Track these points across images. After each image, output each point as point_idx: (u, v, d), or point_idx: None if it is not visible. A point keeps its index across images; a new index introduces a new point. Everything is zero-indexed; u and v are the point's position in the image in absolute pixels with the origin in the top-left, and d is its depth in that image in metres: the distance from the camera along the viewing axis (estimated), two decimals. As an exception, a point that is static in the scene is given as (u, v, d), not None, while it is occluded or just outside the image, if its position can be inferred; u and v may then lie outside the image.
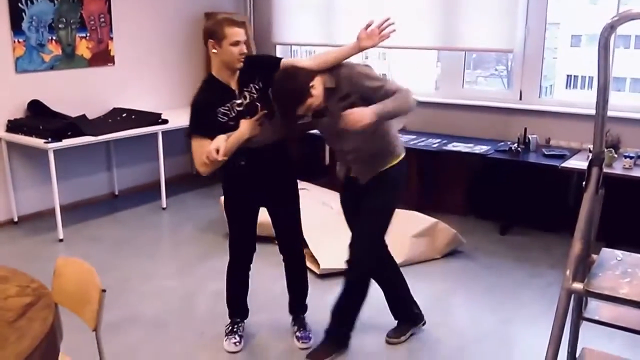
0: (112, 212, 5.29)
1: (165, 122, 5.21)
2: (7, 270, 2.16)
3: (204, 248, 4.48)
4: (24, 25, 4.74)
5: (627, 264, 1.73)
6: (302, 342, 3.16)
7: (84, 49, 5.18)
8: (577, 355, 2.02)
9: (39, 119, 4.76)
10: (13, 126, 4.72)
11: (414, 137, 5.42)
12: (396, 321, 3.22)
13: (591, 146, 4.52)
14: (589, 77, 8.59)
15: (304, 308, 3.32)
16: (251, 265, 3.20)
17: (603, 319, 1.81)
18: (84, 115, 5.13)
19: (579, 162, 4.46)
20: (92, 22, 5.21)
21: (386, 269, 3.15)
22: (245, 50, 2.70)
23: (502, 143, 5.01)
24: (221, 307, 3.53)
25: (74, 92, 5.18)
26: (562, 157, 4.58)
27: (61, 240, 4.57)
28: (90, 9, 5.19)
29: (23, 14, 4.71)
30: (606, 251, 1.82)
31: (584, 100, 5.02)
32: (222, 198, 4.73)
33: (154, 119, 5.19)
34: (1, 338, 1.67)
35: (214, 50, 2.68)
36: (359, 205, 2.87)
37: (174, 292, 3.78)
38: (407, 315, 3.23)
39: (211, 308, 3.56)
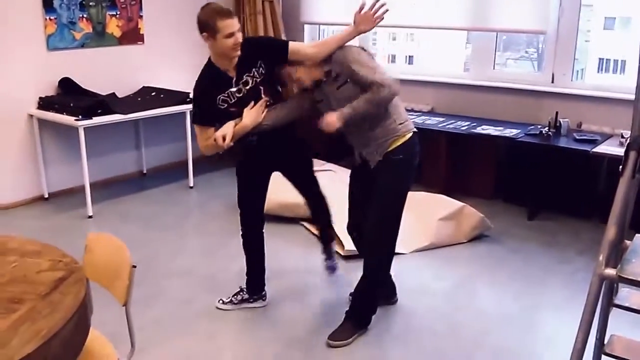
0: (140, 190, 5.36)
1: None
2: (39, 245, 2.20)
3: (231, 226, 4.50)
4: (56, 2, 4.78)
5: (662, 251, 1.70)
6: (330, 272, 3.47)
7: (114, 27, 5.21)
8: (605, 342, 1.99)
9: (70, 96, 4.82)
10: (44, 103, 4.79)
11: (442, 119, 5.36)
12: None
13: (624, 131, 4.47)
14: (622, 60, 8.37)
15: (331, 237, 3.53)
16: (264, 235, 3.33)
17: (634, 306, 1.79)
18: (113, 94, 5.18)
19: (610, 148, 4.38)
20: (123, 1, 5.23)
21: None
22: (240, 40, 2.72)
23: (533, 127, 4.94)
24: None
25: (104, 70, 5.23)
26: (594, 142, 4.50)
27: (90, 217, 4.64)
28: (121, -13, 5.21)
29: (55, -9, 4.76)
30: (640, 237, 1.79)
31: (617, 84, 4.91)
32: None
33: (183, 98, 5.21)
34: (34, 311, 1.70)
35: (208, 41, 2.74)
36: (370, 187, 2.86)
37: (200, 268, 3.82)
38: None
39: (237, 284, 3.59)
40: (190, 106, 5.16)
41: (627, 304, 1.81)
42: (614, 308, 1.93)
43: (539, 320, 3.30)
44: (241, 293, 3.38)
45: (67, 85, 4.93)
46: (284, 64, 2.82)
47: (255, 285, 3.36)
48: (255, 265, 3.35)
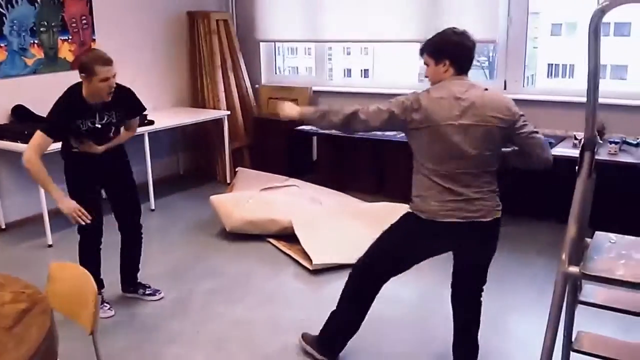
0: (100, 215, 5.24)
1: (152, 123, 5.18)
2: (0, 277, 2.14)
3: (195, 248, 4.47)
4: (5, 29, 4.68)
5: (621, 246, 1.76)
6: (158, 295, 3.66)
7: (66, 51, 5.13)
8: (573, 339, 2.04)
9: (24, 123, 4.71)
10: (-3, 132, 4.67)
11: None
12: None
13: (576, 133, 4.60)
14: (570, 65, 8.65)
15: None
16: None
17: (599, 302, 1.84)
18: (68, 119, 5.09)
19: (564, 150, 4.50)
20: (74, 25, 5.17)
21: None
22: (114, 85, 3.09)
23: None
24: (216, 307, 3.53)
25: (58, 95, 5.11)
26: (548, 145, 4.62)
27: (50, 246, 4.53)
28: (72, 11, 5.14)
29: (4, 18, 4.65)
30: (600, 234, 1.84)
31: (567, 88, 5.07)
32: (213, 197, 4.76)
33: (140, 120, 5.14)
34: (-1, 345, 1.66)
35: (85, 81, 3.07)
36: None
37: (167, 293, 3.76)
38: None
39: (205, 307, 3.56)
40: (148, 128, 5.11)
41: (592, 300, 1.86)
42: (578, 305, 1.97)
43: (507, 322, 3.36)
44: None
45: (20, 112, 4.82)
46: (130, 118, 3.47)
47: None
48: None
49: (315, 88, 6.25)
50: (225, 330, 3.29)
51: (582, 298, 1.91)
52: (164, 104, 5.98)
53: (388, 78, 6.87)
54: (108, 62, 3.05)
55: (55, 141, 3.13)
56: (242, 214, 4.57)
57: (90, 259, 3.43)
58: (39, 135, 3.10)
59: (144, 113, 3.66)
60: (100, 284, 3.47)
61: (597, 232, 1.86)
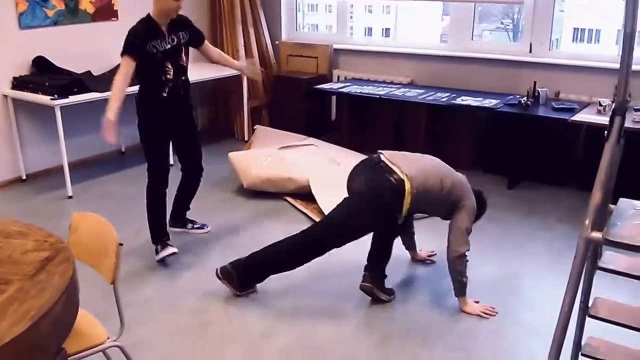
0: (119, 169, 5.30)
1: (171, 77, 5.16)
2: (23, 226, 2.17)
3: (213, 204, 4.50)
4: (26, -21, 4.65)
5: (645, 214, 1.73)
6: (205, 228, 3.99)
7: (87, 3, 5.09)
8: (589, 305, 2.03)
9: (45, 75, 4.72)
10: (18, 83, 4.69)
11: (422, 91, 5.37)
12: None
13: (601, 99, 4.51)
14: (596, 30, 8.42)
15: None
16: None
17: (619, 269, 1.82)
18: (89, 72, 5.08)
19: (588, 116, 4.43)
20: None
21: None
22: (182, 7, 3.37)
23: (512, 96, 4.97)
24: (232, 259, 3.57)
25: (79, 47, 5.12)
26: (572, 111, 4.55)
27: (70, 197, 4.59)
28: (93, -38, 5.08)
29: (24, -33, 4.62)
30: (624, 201, 1.82)
31: (593, 53, 4.95)
32: (231, 154, 4.77)
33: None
34: (22, 292, 1.68)
35: (159, 1, 3.29)
36: None
37: (186, 245, 3.81)
38: None
39: (223, 260, 3.59)
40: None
41: (611, 267, 1.84)
42: (597, 271, 1.96)
43: (522, 286, 3.36)
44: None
45: (41, 64, 4.82)
46: (196, 46, 3.66)
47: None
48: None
49: (335, 46, 6.17)
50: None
51: (601, 264, 1.89)
52: (183, 58, 5.94)
53: (409, 38, 6.73)
54: None
55: (134, 60, 3.29)
56: (259, 172, 4.58)
57: (158, 201, 3.62)
58: (123, 61, 3.31)
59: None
60: (165, 227, 3.69)
61: (621, 199, 1.83)
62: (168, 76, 3.41)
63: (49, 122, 4.71)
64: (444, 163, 3.19)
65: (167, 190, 3.63)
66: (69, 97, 4.45)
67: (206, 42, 3.71)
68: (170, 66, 3.41)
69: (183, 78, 3.51)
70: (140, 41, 3.30)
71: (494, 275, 3.45)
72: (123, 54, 3.31)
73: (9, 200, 4.59)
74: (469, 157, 5.29)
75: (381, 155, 3.08)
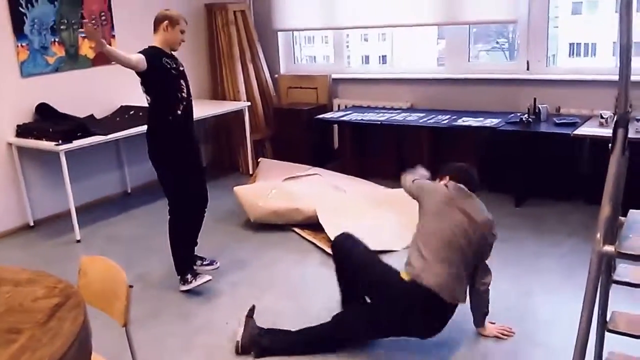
0: (126, 209, 5.30)
1: (173, 116, 5.20)
2: (32, 273, 2.16)
3: (221, 239, 4.49)
4: (26, 28, 4.73)
5: (656, 225, 1.72)
6: (214, 265, 3.92)
7: (86, 49, 5.16)
8: (607, 319, 2.01)
9: (48, 121, 4.77)
10: (22, 131, 4.73)
11: (423, 114, 5.39)
12: None
13: (602, 112, 4.52)
14: (592, 43, 8.48)
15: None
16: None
17: (634, 281, 1.80)
18: (92, 115, 5.13)
19: (590, 129, 4.43)
20: (94, 21, 5.19)
21: None
22: (185, 41, 3.59)
23: (513, 114, 4.98)
24: (243, 297, 3.55)
25: (80, 92, 5.18)
26: (574, 125, 4.55)
27: (79, 241, 4.59)
28: (91, 8, 5.17)
29: (24, 17, 4.70)
30: (634, 212, 1.80)
31: (591, 66, 4.98)
32: (237, 188, 4.77)
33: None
34: (34, 340, 1.67)
35: (165, 30, 3.47)
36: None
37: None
38: None
39: (233, 297, 3.58)
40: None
41: (626, 280, 1.83)
42: (612, 285, 1.94)
43: (537, 304, 3.32)
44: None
45: (44, 110, 4.87)
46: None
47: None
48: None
49: (334, 76, 6.23)
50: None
51: (616, 277, 1.87)
52: (184, 97, 5.99)
53: (406, 63, 6.78)
54: (186, 21, 3.63)
55: (148, 63, 3.34)
56: (266, 204, 4.58)
57: (188, 231, 3.74)
58: (136, 55, 3.36)
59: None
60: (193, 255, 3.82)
61: (631, 211, 1.82)
62: (183, 94, 3.52)
63: (54, 168, 4.73)
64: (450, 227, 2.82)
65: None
66: (73, 141, 4.48)
67: None
68: (184, 85, 3.54)
69: (191, 99, 3.62)
70: (155, 54, 3.44)
71: (507, 295, 3.41)
72: (138, 53, 3.39)
73: (18, 248, 4.59)
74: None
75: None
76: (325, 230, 4.25)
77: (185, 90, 3.54)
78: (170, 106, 3.50)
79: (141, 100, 5.47)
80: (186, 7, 6.01)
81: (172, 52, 3.56)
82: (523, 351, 2.88)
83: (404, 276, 2.77)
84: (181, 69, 3.56)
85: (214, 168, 6.39)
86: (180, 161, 3.59)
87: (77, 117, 4.98)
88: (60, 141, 4.45)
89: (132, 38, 5.48)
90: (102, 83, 5.34)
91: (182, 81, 3.52)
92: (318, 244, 4.24)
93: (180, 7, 5.90)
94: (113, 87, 5.43)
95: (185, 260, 3.68)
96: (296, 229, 4.53)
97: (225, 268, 3.97)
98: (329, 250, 4.07)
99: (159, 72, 3.42)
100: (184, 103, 3.53)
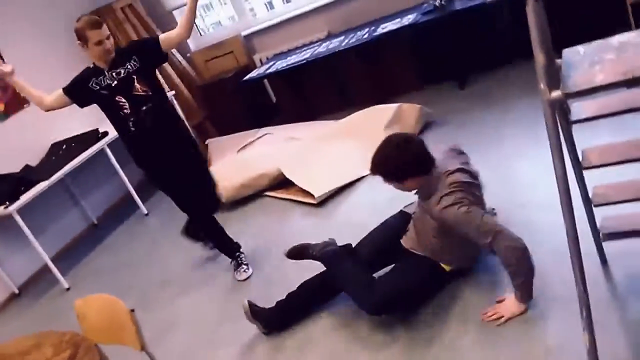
0: (100, 241, 5.20)
1: (106, 134, 5.07)
2: (35, 337, 2.14)
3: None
4: None
5: (591, 54, 1.74)
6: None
7: (-6, 102, 4.94)
8: (580, 159, 2.06)
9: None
10: (-35, 205, 4.56)
11: (342, 37, 5.34)
12: None
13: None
14: None
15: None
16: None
17: (592, 115, 1.84)
18: (27, 165, 4.97)
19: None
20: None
21: None
22: (109, 47, 3.18)
23: (425, 4, 4.96)
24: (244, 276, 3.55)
25: (6, 147, 4.98)
26: (485, -8, 4.55)
27: (68, 289, 4.51)
28: (-21, 61, 4.92)
29: None
30: (567, 51, 1.82)
31: None
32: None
33: (94, 136, 5.05)
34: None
35: (83, 48, 3.20)
36: None
37: (187, 280, 3.78)
38: None
39: (234, 280, 3.58)
40: (105, 140, 5.02)
41: (584, 116, 1.86)
42: (574, 125, 1.98)
43: (513, 173, 3.39)
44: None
45: (-23, 177, 4.69)
46: (164, 54, 3.36)
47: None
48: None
49: (244, 33, 6.10)
50: (260, 293, 3.32)
51: (574, 118, 1.91)
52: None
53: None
54: (97, 25, 3.15)
55: (71, 98, 3.34)
56: (231, 182, 4.54)
57: (211, 225, 3.66)
58: (56, 92, 3.36)
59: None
60: (234, 246, 3.71)
61: (564, 50, 1.84)
62: (125, 111, 3.25)
63: (14, 230, 4.57)
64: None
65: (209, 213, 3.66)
66: (20, 197, 4.35)
67: (163, 37, 3.34)
68: (124, 100, 3.24)
69: (144, 108, 3.26)
70: (80, 79, 3.30)
71: (483, 174, 3.45)
72: (63, 88, 3.35)
73: (12, 319, 4.50)
74: (414, 78, 5.29)
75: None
76: (296, 183, 4.25)
77: (127, 106, 3.24)
78: (119, 129, 3.35)
79: (68, 130, 5.33)
80: (73, 22, 5.75)
81: (112, 61, 3.23)
82: (512, 212, 2.94)
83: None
84: (115, 83, 3.22)
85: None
86: (155, 174, 3.52)
87: (14, 172, 4.81)
88: (7, 202, 4.31)
89: (29, 75, 5.26)
90: (24, 130, 5.13)
91: (120, 98, 3.23)
92: (294, 198, 4.25)
93: (69, 24, 5.67)
94: (36, 129, 5.22)
95: (224, 245, 3.70)
96: (269, 193, 4.52)
97: (217, 252, 3.91)
98: (307, 200, 4.09)
99: (88, 99, 3.32)
100: (132, 118, 3.26)
